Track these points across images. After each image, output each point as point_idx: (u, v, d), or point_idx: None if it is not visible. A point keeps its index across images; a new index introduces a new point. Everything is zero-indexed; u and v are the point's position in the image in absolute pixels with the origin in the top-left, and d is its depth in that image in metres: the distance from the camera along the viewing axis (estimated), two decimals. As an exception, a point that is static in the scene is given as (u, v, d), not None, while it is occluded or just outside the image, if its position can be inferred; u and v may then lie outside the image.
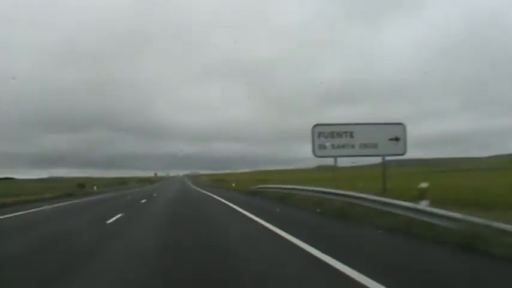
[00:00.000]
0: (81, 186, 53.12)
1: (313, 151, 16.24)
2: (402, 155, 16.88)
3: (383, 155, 16.68)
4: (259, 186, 31.01)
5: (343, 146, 16.28)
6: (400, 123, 17.02)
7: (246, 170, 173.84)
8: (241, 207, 16.22)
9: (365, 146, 16.42)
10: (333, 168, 17.01)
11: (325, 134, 16.23)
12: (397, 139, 16.46)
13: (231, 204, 18.61)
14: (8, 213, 17.06)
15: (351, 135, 16.35)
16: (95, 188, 51.72)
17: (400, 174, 38.86)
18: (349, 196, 12.69)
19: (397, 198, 10.34)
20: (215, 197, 27.08)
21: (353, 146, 16.36)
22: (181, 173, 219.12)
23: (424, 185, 10.06)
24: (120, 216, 13.90)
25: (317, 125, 16.43)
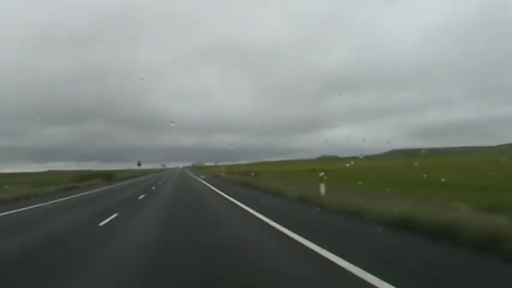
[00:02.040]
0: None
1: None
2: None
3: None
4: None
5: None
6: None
7: (248, 161, 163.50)
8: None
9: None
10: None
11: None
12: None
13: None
14: None
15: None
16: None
17: (441, 166, 29.04)
18: None
19: None
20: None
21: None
22: (180, 164, 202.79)
23: None
24: None
25: None
